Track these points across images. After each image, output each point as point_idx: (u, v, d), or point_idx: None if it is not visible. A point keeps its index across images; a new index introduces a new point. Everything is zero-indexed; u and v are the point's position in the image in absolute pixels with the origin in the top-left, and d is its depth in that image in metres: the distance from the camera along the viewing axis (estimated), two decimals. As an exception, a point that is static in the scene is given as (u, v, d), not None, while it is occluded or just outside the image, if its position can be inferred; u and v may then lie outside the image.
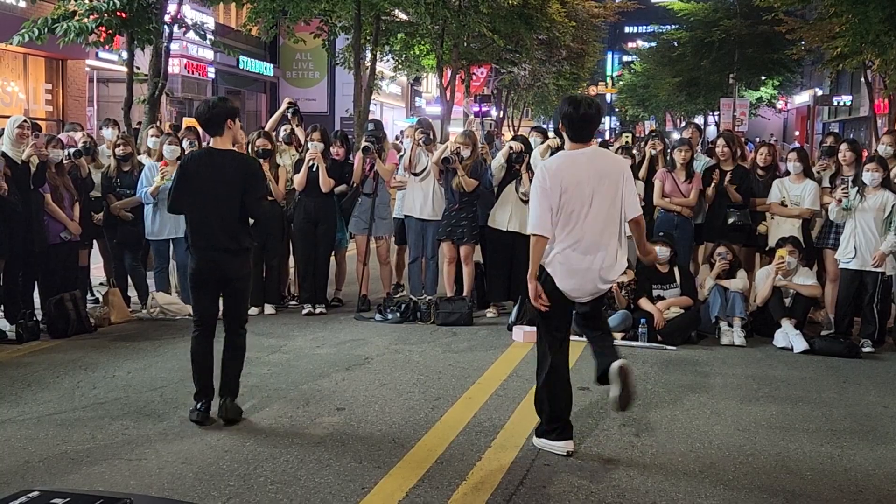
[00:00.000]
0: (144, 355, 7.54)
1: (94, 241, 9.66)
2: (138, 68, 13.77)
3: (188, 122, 20.17)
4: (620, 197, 5.19)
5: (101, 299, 9.09)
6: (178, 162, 5.93)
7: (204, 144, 9.07)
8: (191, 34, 17.87)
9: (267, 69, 33.43)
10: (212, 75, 28.53)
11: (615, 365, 5.13)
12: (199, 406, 5.75)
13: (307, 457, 5.18)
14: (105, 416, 5.88)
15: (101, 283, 10.04)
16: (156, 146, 9.52)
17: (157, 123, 12.23)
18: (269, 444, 5.40)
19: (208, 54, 27.49)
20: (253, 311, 9.23)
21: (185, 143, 9.47)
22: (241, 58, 29.66)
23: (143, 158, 9.66)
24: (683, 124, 13.86)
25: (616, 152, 9.44)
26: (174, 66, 19.44)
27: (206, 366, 5.81)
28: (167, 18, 13.66)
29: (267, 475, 4.90)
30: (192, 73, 26.90)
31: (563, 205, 5.10)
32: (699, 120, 54.48)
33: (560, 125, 5.33)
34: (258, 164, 6.46)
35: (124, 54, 14.25)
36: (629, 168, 5.55)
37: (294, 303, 9.70)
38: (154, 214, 8.97)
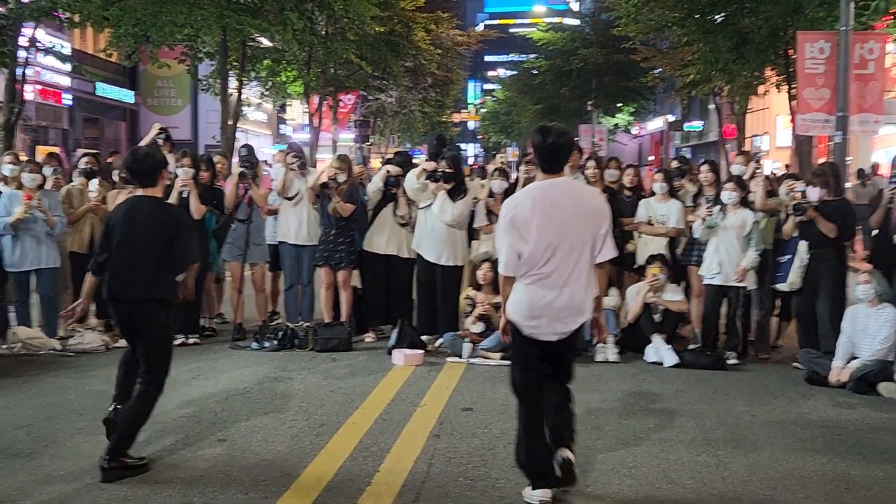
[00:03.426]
0: (7, 393, 7.14)
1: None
2: (-8, 93, 13.16)
3: (43, 150, 19.38)
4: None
5: (-45, 336, 8.58)
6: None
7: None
8: (46, 59, 17.23)
9: (127, 96, 32.42)
10: (68, 102, 27.46)
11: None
12: (115, 406, 5.61)
13: (190, 491, 5.01)
14: (-32, 459, 5.53)
15: (-46, 319, 9.46)
16: (13, 174, 9.06)
17: (13, 150, 11.64)
18: (149, 479, 5.19)
19: (64, 80, 26.46)
20: (122, 342, 8.89)
21: (46, 171, 9.09)
22: (99, 84, 28.67)
23: (-1, 186, 9.20)
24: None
25: (492, 174, 9.59)
26: (27, 93, 18.56)
27: (133, 376, 5.56)
28: (24, 42, 13.09)
29: (149, 511, 4.72)
30: (47, 100, 25.83)
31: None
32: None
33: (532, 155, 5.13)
34: (186, 214, 6.11)
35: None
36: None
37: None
38: (14, 245, 8.53)
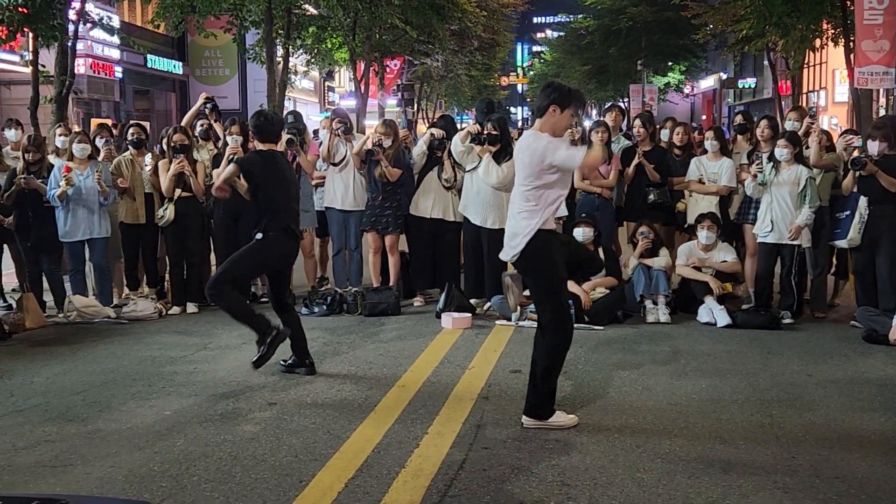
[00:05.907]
0: (63, 360, 7.27)
1: (5, 246, 9.30)
2: (43, 66, 13.25)
3: (97, 122, 19.63)
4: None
5: (14, 305, 8.76)
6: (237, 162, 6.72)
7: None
8: (96, 33, 17.35)
9: (176, 67, 32.74)
10: (119, 75, 27.82)
11: None
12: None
13: (241, 453, 5.06)
14: (25, 424, 5.64)
15: (13, 290, 9.66)
16: (64, 146, 9.20)
17: (64, 122, 11.76)
18: (200, 442, 5.25)
19: (114, 53, 26.79)
20: (175, 310, 9.06)
21: (98, 142, 9.19)
22: (149, 56, 28.97)
23: (51, 158, 9.31)
24: (608, 105, 14.12)
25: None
26: (79, 66, 18.79)
27: None
28: (72, 15, 13.18)
29: (200, 474, 4.76)
30: (99, 73, 26.17)
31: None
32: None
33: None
34: None
35: (26, 54, 13.69)
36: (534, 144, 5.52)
37: (217, 300, 9.45)
38: (66, 216, 8.66)
